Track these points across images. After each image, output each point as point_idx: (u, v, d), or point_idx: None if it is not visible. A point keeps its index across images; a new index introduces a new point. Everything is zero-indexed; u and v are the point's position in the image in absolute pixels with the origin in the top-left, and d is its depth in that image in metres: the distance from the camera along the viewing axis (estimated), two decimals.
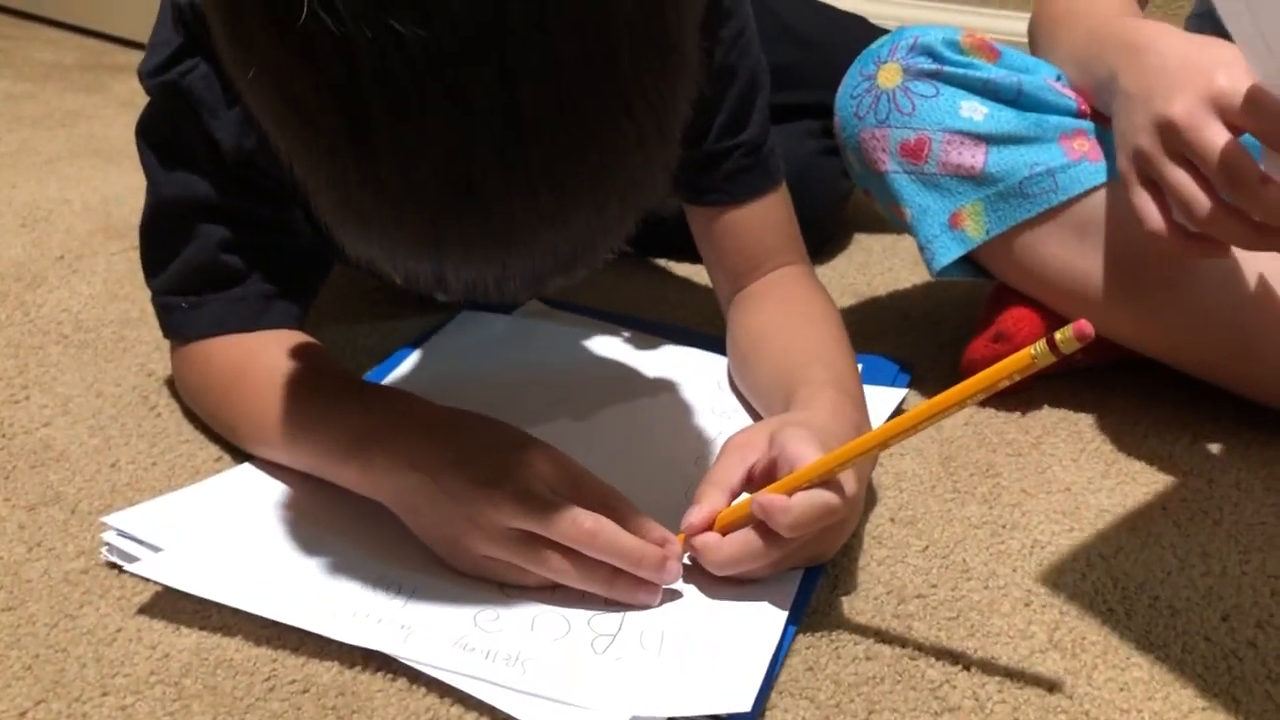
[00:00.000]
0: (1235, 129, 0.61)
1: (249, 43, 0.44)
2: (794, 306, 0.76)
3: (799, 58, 1.06)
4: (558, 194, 0.45)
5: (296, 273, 0.73)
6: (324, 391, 0.65)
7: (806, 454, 0.55)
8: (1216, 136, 0.60)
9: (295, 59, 0.42)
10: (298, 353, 0.69)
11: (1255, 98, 0.59)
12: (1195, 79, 0.62)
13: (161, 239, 0.72)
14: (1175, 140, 0.62)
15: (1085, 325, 0.47)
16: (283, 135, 0.46)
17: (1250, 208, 0.61)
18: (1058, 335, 0.48)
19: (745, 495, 0.58)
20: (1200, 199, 0.62)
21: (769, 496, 0.55)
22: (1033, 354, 0.49)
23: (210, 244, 0.70)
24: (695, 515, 0.58)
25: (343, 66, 0.41)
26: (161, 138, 0.71)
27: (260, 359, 0.68)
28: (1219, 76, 0.61)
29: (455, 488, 0.56)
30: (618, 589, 0.56)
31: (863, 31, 1.14)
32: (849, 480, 0.56)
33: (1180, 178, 0.63)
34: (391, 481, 0.59)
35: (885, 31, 1.17)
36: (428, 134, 0.43)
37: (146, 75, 0.70)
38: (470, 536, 0.56)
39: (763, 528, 0.56)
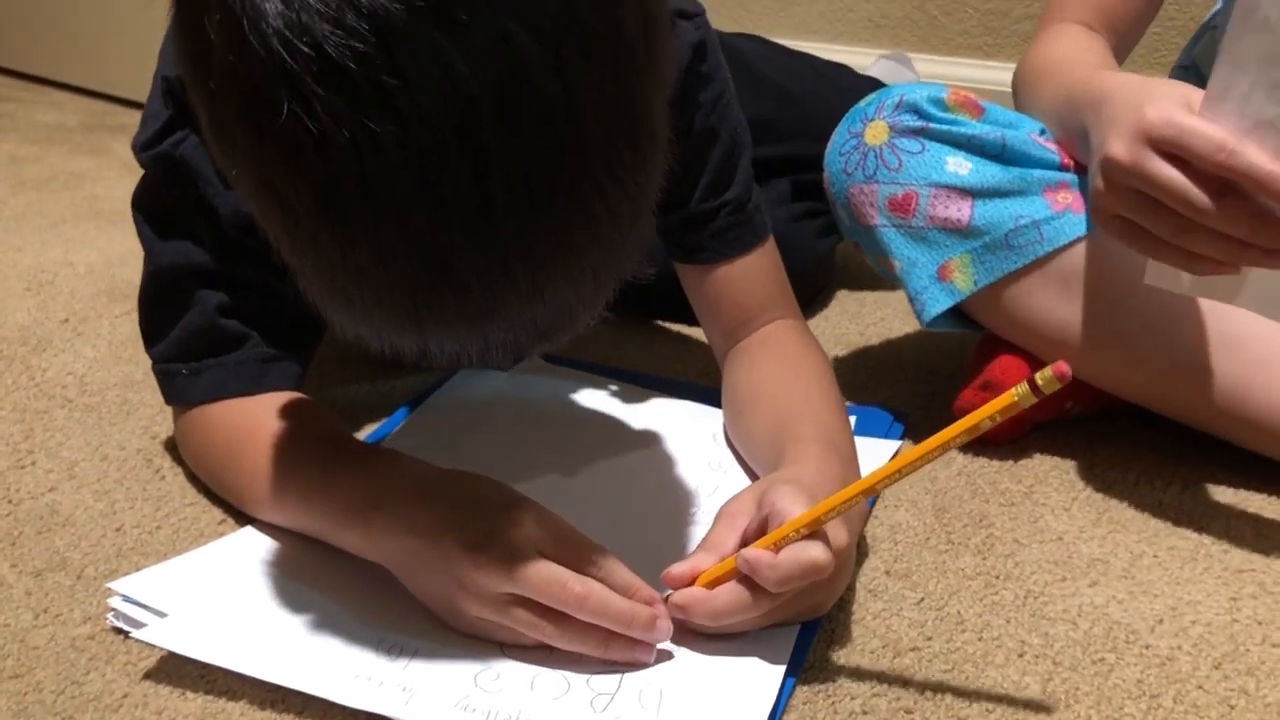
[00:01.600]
0: (1172, 157, 0.62)
1: (231, 141, 0.46)
2: (785, 362, 0.77)
3: (779, 114, 1.08)
4: (533, 273, 0.47)
5: (294, 334, 0.75)
6: (323, 456, 0.67)
7: (793, 509, 0.56)
8: (1156, 170, 0.62)
9: (274, 157, 0.44)
10: (297, 415, 0.70)
11: (1187, 129, 0.61)
12: (1130, 116, 0.64)
13: (160, 307, 0.74)
14: (1123, 178, 0.64)
15: (1064, 366, 0.48)
16: (268, 224, 0.48)
17: (1218, 226, 0.62)
18: (1038, 376, 0.49)
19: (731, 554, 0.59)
20: (1167, 223, 0.63)
21: (754, 551, 0.56)
22: (1015, 395, 0.50)
23: (209, 310, 0.72)
24: (676, 569, 0.59)
25: (320, 163, 0.43)
26: (157, 208, 0.73)
27: (260, 423, 0.70)
28: (1147, 111, 0.62)
29: (447, 551, 0.57)
30: (613, 650, 0.57)
31: (846, 81, 1.16)
32: (839, 532, 0.57)
33: (1139, 207, 0.64)
34: (390, 545, 0.60)
35: (868, 79, 1.20)
36: (404, 224, 0.45)
37: (140, 148, 0.72)
38: (463, 599, 0.57)
39: (749, 581, 0.57)
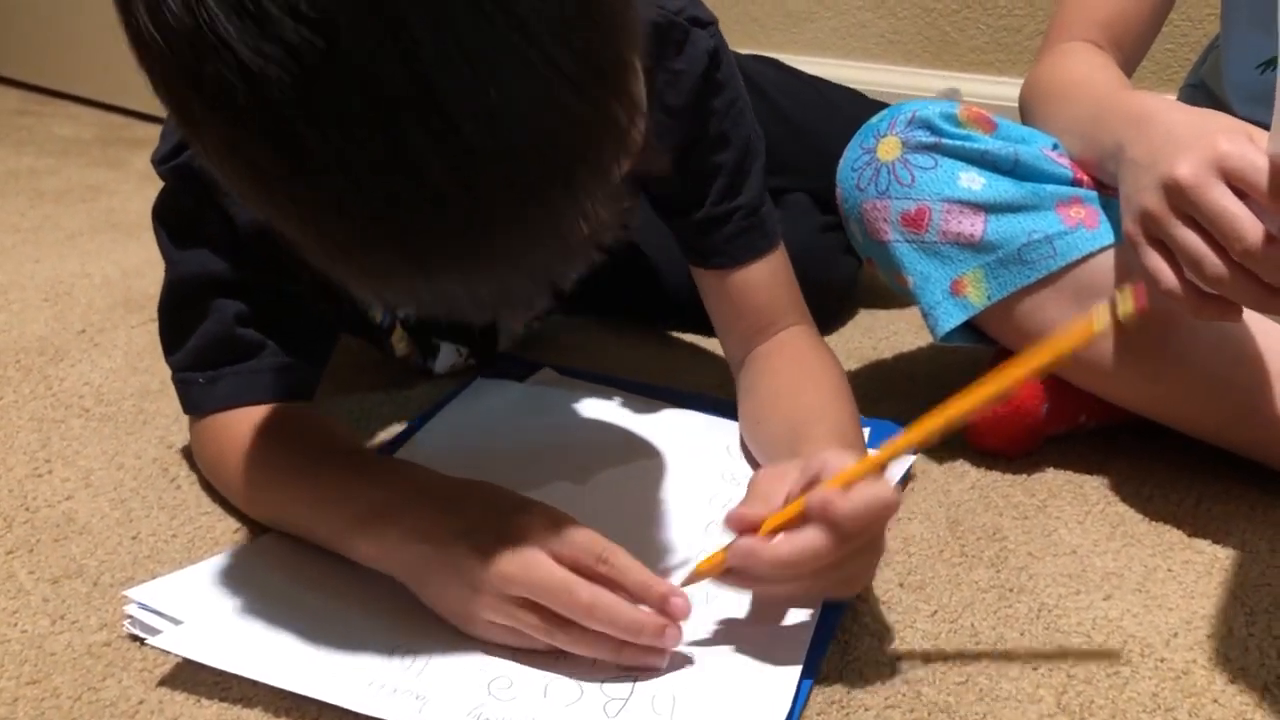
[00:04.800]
0: (1239, 193, 0.62)
1: (190, 119, 0.46)
2: (800, 367, 0.78)
3: (791, 145, 1.08)
4: (510, 187, 0.46)
5: (308, 342, 0.75)
6: (334, 467, 0.67)
7: (844, 461, 0.56)
8: (1221, 197, 0.62)
9: (220, 113, 0.44)
10: (310, 426, 0.71)
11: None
12: (1200, 142, 0.64)
13: (179, 317, 0.74)
14: (1181, 201, 0.64)
15: (1143, 297, 0.49)
16: (247, 193, 0.48)
17: (1258, 268, 0.62)
18: (1118, 302, 0.50)
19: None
20: (1210, 258, 0.63)
21: (826, 490, 0.55)
22: (1094, 323, 0.51)
23: (226, 318, 0.73)
24: (739, 511, 0.58)
25: (257, 100, 0.43)
26: (176, 219, 0.74)
27: (273, 432, 0.70)
28: (1221, 141, 0.63)
29: (458, 556, 0.58)
30: (625, 656, 0.57)
31: (854, 109, 1.17)
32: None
33: (1189, 237, 0.64)
34: (402, 554, 0.61)
35: (879, 105, 1.20)
36: (363, 144, 0.44)
37: (158, 162, 0.73)
38: (475, 604, 0.57)
39: (817, 526, 0.55)
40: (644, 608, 0.57)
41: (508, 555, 0.56)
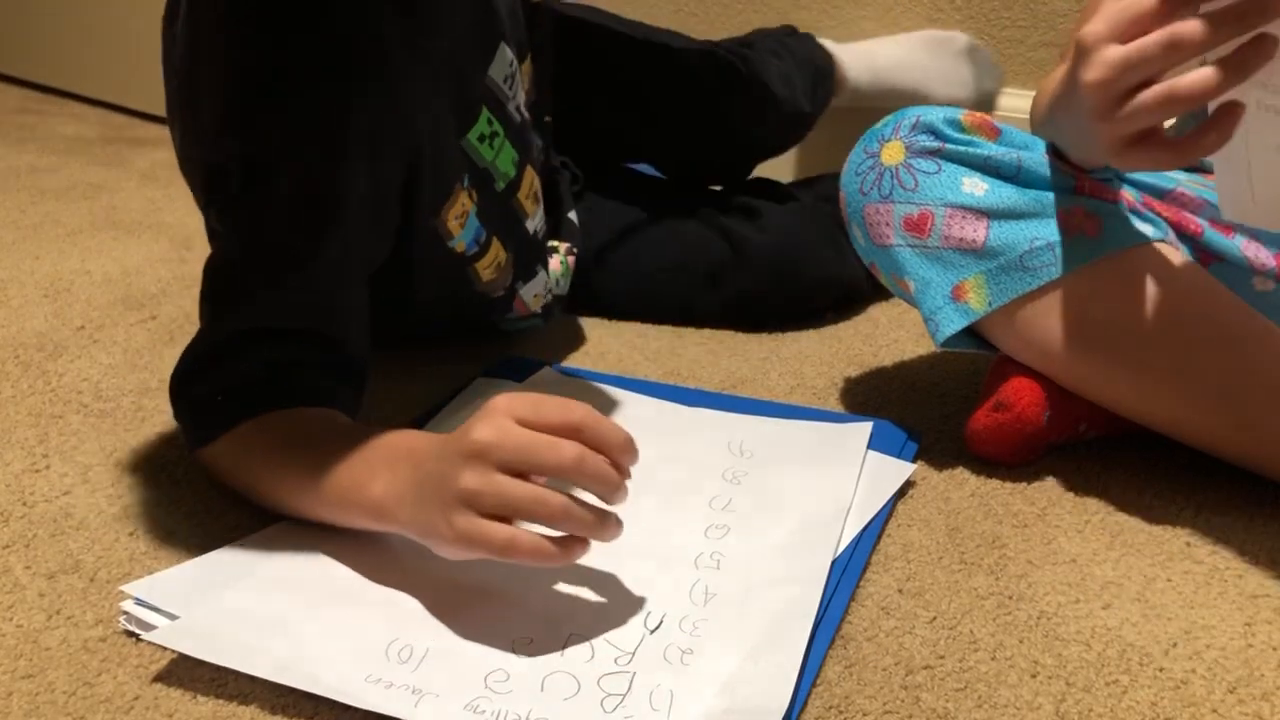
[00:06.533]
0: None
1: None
2: None
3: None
4: None
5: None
6: (332, 437, 0.67)
7: None
8: (1119, 14, 0.61)
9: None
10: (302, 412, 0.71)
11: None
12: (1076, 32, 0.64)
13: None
14: (1101, 64, 0.62)
15: None
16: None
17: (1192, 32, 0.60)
18: None
19: None
20: (1155, 64, 0.61)
21: None
22: None
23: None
24: None
25: None
26: None
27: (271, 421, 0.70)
28: (1084, 29, 0.63)
29: (439, 450, 0.59)
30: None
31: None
32: None
33: (1129, 79, 0.62)
34: (389, 487, 0.62)
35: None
36: None
37: None
38: (456, 478, 0.57)
39: None
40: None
41: (480, 425, 0.57)
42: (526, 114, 0.91)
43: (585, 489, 0.58)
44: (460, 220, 0.82)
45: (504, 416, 0.58)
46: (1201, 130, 0.62)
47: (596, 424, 0.58)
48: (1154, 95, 0.61)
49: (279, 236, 0.71)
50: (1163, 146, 0.64)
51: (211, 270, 0.73)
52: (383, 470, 0.63)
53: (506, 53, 0.85)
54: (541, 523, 0.57)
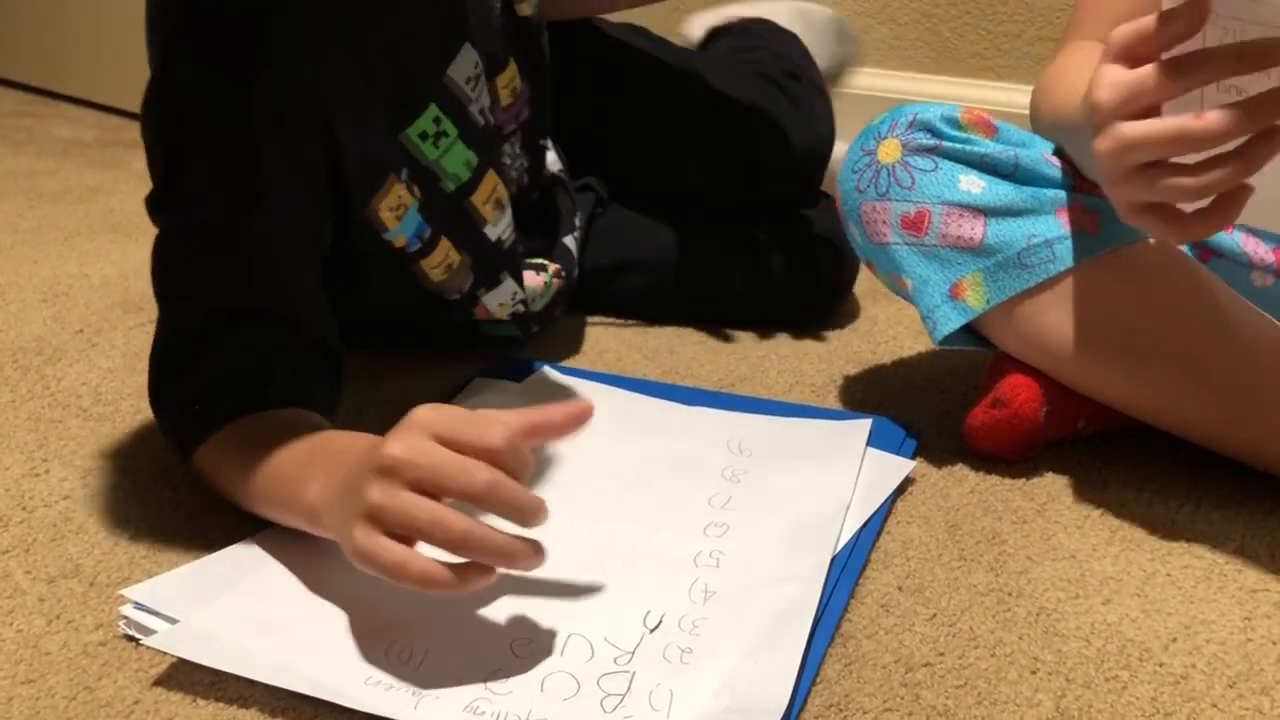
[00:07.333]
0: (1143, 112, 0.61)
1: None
2: None
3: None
4: None
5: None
6: (285, 440, 0.67)
7: None
8: (1129, 135, 0.60)
9: None
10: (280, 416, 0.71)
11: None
12: (1091, 111, 0.63)
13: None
14: (1115, 163, 0.62)
15: None
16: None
17: (1202, 134, 0.59)
18: None
19: None
20: (1177, 177, 0.60)
21: None
22: None
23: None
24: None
25: None
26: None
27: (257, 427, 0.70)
28: (1094, 95, 0.61)
29: (353, 471, 0.58)
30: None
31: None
32: None
33: (1150, 178, 0.61)
34: (324, 498, 0.61)
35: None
36: None
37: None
38: (366, 489, 0.56)
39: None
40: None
41: (395, 440, 0.56)
42: (493, 119, 0.90)
43: (498, 515, 0.56)
44: (396, 213, 0.81)
45: (422, 432, 0.56)
46: (1209, 214, 0.61)
47: (514, 453, 0.56)
48: (1169, 185, 0.60)
49: (200, 211, 0.71)
50: (1169, 221, 0.63)
51: (154, 251, 0.74)
52: (320, 474, 0.62)
53: (471, 53, 0.85)
54: (440, 547, 0.55)
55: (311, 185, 0.76)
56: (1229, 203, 0.60)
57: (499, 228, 0.90)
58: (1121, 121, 0.60)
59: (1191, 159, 0.59)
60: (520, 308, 0.96)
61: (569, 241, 1.04)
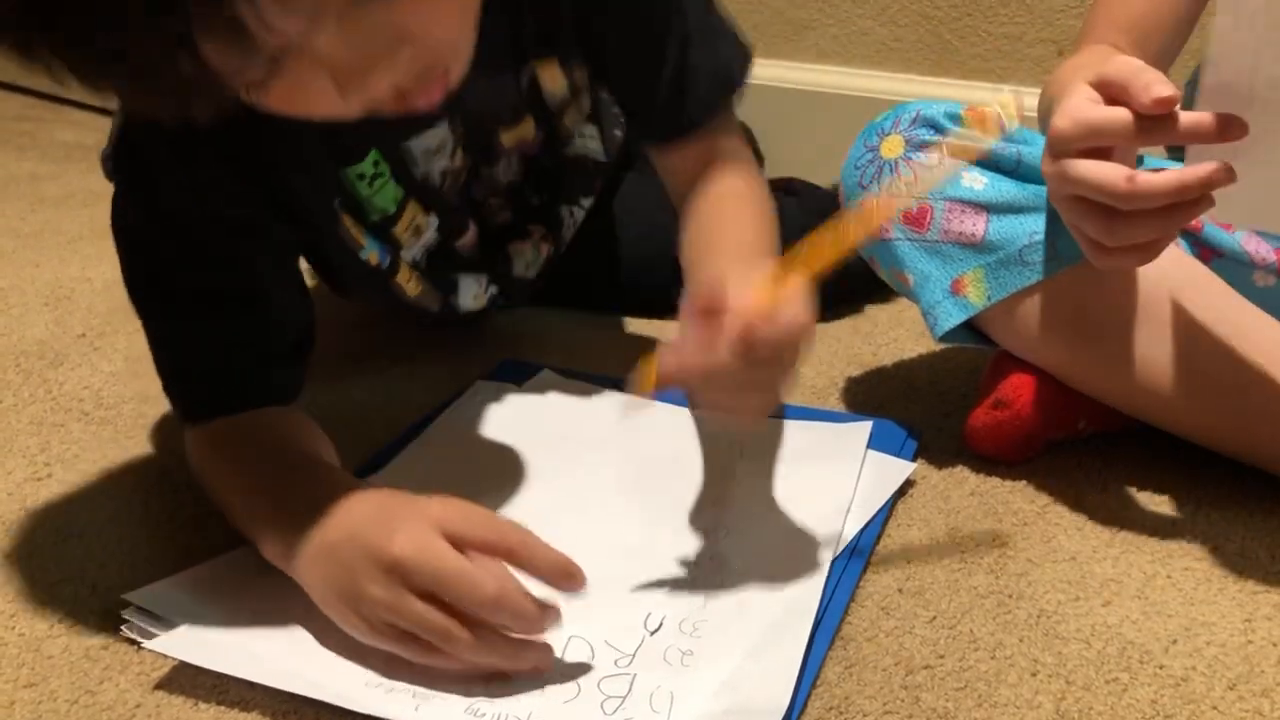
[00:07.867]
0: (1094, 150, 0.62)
1: None
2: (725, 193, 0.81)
3: None
4: None
5: (287, 347, 0.76)
6: (277, 484, 0.66)
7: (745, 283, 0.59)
8: (1073, 173, 0.61)
9: None
10: (275, 434, 0.71)
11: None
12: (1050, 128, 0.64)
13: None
14: (1055, 188, 0.64)
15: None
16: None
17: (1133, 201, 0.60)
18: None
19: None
20: (1099, 220, 0.62)
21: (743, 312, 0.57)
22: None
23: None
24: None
25: None
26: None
27: (240, 442, 0.71)
28: (1055, 122, 0.62)
29: (357, 539, 0.57)
30: (516, 658, 0.56)
31: None
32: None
33: (1087, 167, 0.62)
34: (311, 564, 0.60)
35: None
36: None
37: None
38: (365, 583, 0.55)
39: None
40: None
41: (403, 536, 0.54)
42: (451, 179, 0.87)
43: (503, 627, 0.56)
44: (360, 233, 0.82)
45: (431, 530, 0.55)
46: (1130, 254, 0.63)
47: (530, 548, 0.56)
48: (1091, 223, 0.62)
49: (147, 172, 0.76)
50: (1094, 249, 0.64)
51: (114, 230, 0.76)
52: (304, 526, 0.60)
53: (442, 131, 0.82)
54: (447, 653, 0.56)
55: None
56: (1149, 250, 0.63)
57: (414, 250, 0.88)
58: (1069, 156, 0.61)
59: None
60: (493, 289, 0.95)
61: (564, 212, 1.02)
